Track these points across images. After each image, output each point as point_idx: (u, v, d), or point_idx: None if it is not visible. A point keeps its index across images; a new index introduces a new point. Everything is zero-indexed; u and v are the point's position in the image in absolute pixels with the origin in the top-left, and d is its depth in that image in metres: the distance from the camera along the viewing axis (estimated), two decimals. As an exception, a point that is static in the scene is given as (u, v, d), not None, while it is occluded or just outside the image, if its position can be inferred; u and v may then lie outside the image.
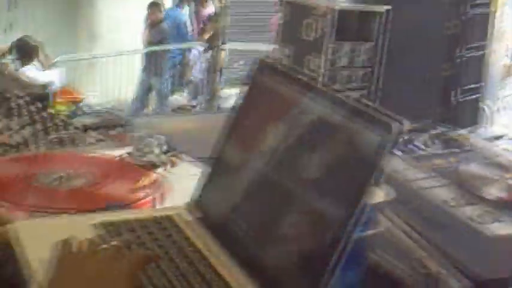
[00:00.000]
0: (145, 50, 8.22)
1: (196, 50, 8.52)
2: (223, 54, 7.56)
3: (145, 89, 8.15)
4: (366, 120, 0.93)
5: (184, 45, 8.68)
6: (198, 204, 1.22)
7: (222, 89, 7.42)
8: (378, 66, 4.24)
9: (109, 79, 7.71)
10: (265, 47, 8.44)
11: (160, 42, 8.20)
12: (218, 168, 1.22)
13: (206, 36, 8.62)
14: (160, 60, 8.17)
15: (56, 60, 7.20)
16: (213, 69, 6.92)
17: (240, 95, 1.23)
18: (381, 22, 4.11)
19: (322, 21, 4.04)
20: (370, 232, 1.05)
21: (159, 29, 8.23)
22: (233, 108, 1.22)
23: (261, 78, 1.19)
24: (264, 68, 1.20)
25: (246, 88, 1.23)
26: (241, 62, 9.14)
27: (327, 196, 0.94)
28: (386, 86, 4.21)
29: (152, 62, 8.14)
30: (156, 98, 8.20)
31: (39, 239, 1.12)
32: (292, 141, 1.05)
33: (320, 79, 3.96)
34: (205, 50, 8.19)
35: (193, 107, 7.89)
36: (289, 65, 1.19)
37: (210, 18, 8.78)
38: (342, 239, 0.90)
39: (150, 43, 8.21)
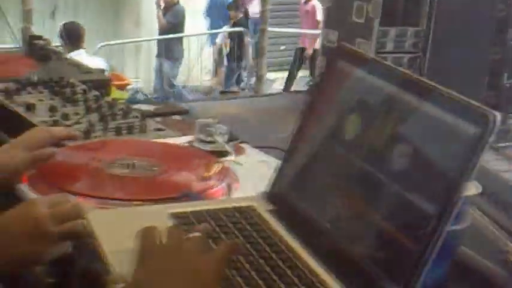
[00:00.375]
0: (188, 35, 8.23)
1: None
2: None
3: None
4: (461, 110, 0.90)
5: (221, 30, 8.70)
6: (277, 194, 1.20)
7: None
8: (424, 51, 4.20)
9: (151, 64, 7.74)
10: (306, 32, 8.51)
11: (175, 26, 8.14)
12: (295, 158, 1.19)
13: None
14: (174, 46, 8.15)
15: (99, 46, 7.25)
16: (258, 52, 6.88)
17: (314, 83, 1.20)
18: (428, 6, 4.05)
19: (370, 4, 4.01)
20: (461, 226, 1.02)
21: (173, 11, 8.17)
22: (308, 95, 1.20)
23: (340, 65, 1.16)
24: (342, 53, 1.17)
25: (321, 75, 1.20)
26: (282, 47, 9.16)
27: (421, 188, 0.92)
28: (433, 71, 4.16)
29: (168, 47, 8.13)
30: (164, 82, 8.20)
31: (114, 230, 1.11)
32: (379, 130, 1.02)
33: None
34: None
35: (242, 89, 7.91)
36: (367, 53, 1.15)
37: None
38: (436, 232, 0.88)
39: (162, 28, 8.17)
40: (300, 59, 8.64)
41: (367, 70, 1.09)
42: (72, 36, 5.33)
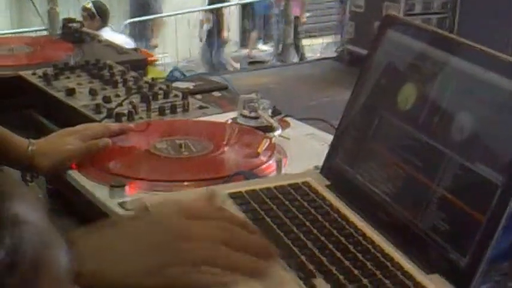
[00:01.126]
0: (210, 7, 8.20)
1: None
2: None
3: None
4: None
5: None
6: (332, 168, 1.19)
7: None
8: (454, 10, 4.15)
9: (178, 38, 7.73)
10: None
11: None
12: (349, 131, 1.18)
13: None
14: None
15: (125, 23, 7.25)
16: (285, 20, 6.84)
17: (366, 55, 1.19)
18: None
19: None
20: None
21: None
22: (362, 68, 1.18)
23: (390, 35, 1.14)
24: (391, 23, 1.15)
25: (372, 47, 1.19)
26: (308, 14, 9.09)
27: (485, 158, 0.90)
28: (462, 32, 4.12)
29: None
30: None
31: None
32: (437, 100, 1.01)
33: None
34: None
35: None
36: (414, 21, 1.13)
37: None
38: (503, 203, 0.87)
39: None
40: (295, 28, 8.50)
41: (419, 39, 1.07)
42: (100, 13, 5.32)
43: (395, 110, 1.08)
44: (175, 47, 7.55)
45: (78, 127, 1.40)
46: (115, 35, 5.24)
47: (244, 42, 8.87)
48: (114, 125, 1.47)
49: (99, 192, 1.25)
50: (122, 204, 1.20)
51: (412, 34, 1.09)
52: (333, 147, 1.20)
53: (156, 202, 1.09)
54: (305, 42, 8.77)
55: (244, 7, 8.77)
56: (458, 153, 0.94)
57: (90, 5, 5.29)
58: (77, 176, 1.33)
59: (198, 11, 8.11)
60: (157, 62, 6.35)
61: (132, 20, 7.33)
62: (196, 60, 8.16)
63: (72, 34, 2.30)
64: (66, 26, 2.33)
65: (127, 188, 1.25)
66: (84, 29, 2.37)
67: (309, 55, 8.21)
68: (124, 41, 5.22)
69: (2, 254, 0.41)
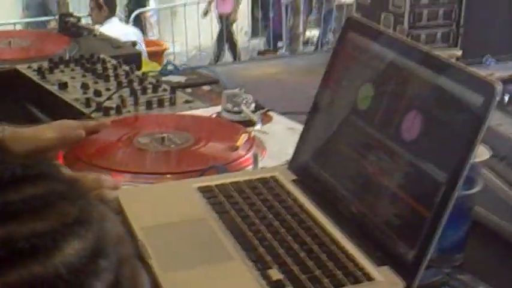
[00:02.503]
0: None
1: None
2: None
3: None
4: (468, 81, 0.93)
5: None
6: (299, 163, 1.24)
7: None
8: (460, 1, 4.17)
9: (189, 28, 7.74)
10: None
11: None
12: (315, 127, 1.23)
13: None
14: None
15: (136, 12, 7.29)
16: (294, 11, 6.85)
17: (331, 55, 1.24)
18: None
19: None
20: (474, 190, 1.06)
21: None
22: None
23: (352, 37, 1.19)
24: (353, 25, 1.20)
25: (335, 48, 1.24)
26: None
27: (431, 156, 0.95)
28: (470, 22, 4.13)
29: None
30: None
31: (142, 206, 1.16)
32: (390, 100, 1.05)
33: (406, 18, 3.95)
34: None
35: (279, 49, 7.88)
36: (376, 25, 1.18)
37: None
38: (446, 198, 0.92)
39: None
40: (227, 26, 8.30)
41: (378, 42, 1.12)
42: (108, 3, 5.35)
43: (355, 109, 1.13)
44: (185, 36, 7.58)
45: (54, 122, 1.44)
46: (122, 26, 5.29)
47: (255, 31, 8.88)
48: (90, 122, 1.51)
49: (81, 184, 1.30)
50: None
51: (371, 36, 1.14)
52: (300, 144, 1.25)
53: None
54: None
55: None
56: (408, 151, 1.00)
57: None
58: (62, 169, 1.38)
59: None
60: (167, 51, 6.42)
61: (138, 11, 7.38)
62: (208, 49, 8.19)
63: (69, 28, 2.36)
64: (63, 21, 2.39)
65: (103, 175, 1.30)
66: (81, 24, 2.42)
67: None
68: (132, 31, 5.27)
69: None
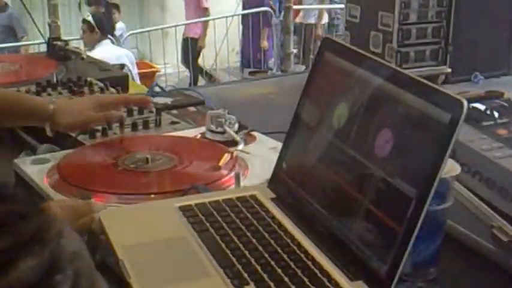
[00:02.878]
0: (209, 19, 8.26)
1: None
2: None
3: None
4: (435, 98, 0.96)
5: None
6: (277, 181, 1.27)
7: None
8: (448, 19, 4.20)
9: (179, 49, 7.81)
10: (332, 7, 8.51)
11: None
12: (293, 146, 1.26)
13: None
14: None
15: (128, 34, 7.34)
16: (284, 30, 6.88)
17: (308, 75, 1.27)
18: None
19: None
20: (445, 205, 1.08)
21: None
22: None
23: (328, 57, 1.22)
24: (329, 46, 1.23)
25: (312, 68, 1.27)
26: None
27: (401, 173, 0.98)
28: (458, 39, 4.17)
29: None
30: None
31: (123, 226, 1.18)
32: (363, 119, 1.08)
33: (394, 36, 3.99)
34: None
35: (270, 69, 7.94)
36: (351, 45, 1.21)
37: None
38: (415, 213, 0.94)
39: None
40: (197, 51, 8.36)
41: (352, 61, 1.15)
42: (100, 26, 5.39)
43: (331, 128, 1.16)
44: (176, 57, 7.64)
45: (98, 95, 1.68)
46: (115, 48, 5.33)
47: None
48: (133, 96, 1.69)
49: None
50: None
51: (345, 56, 1.17)
52: (279, 162, 1.28)
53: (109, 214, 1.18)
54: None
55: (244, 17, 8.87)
56: (381, 168, 1.02)
57: (89, 18, 5.38)
58: (46, 189, 1.41)
59: (196, 22, 8.19)
60: (158, 73, 6.47)
61: (132, 32, 7.42)
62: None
63: (57, 52, 2.39)
64: (51, 44, 2.42)
65: (93, 200, 1.32)
66: (69, 47, 2.45)
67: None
68: (124, 53, 5.31)
69: None
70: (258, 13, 8.25)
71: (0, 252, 0.41)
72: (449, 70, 4.19)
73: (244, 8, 8.49)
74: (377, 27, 4.17)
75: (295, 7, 7.24)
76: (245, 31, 8.46)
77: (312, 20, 8.71)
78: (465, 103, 0.91)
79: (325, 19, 8.82)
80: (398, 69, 1.06)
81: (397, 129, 1.01)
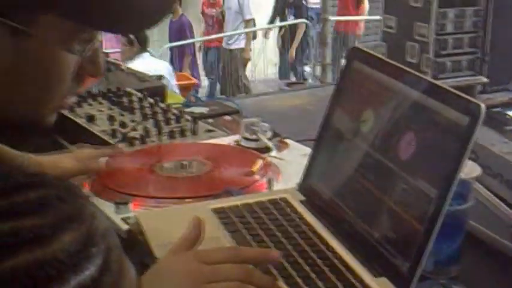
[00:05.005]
0: (248, 30, 8.33)
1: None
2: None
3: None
4: (455, 103, 1.01)
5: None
6: (307, 185, 1.32)
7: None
8: (485, 29, 4.22)
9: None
10: (368, 18, 8.52)
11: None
12: (322, 150, 1.32)
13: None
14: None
15: (166, 46, 7.44)
16: (322, 42, 6.95)
17: (336, 83, 1.32)
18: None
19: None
20: (466, 205, 1.13)
21: None
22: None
23: (356, 65, 1.27)
24: (357, 55, 1.28)
25: (341, 74, 1.32)
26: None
27: (423, 174, 1.03)
28: (495, 49, 4.19)
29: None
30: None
31: (160, 226, 1.24)
32: (389, 123, 1.13)
33: (431, 46, 4.02)
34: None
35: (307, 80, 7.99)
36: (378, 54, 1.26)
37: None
38: (436, 213, 0.99)
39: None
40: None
41: (378, 69, 1.20)
42: (139, 40, 5.48)
43: (357, 133, 1.21)
44: (217, 69, 7.75)
45: (74, 151, 1.55)
46: (153, 61, 5.41)
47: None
48: (107, 150, 1.62)
49: (106, 208, 1.39)
50: (125, 219, 1.34)
51: (372, 64, 1.22)
52: (309, 166, 1.33)
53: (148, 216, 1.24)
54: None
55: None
56: (404, 170, 1.07)
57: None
58: (87, 193, 1.47)
59: (237, 33, 8.27)
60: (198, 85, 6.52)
61: (170, 44, 7.52)
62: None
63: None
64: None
65: (131, 204, 1.39)
66: (109, 59, 2.53)
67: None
68: (162, 66, 5.40)
69: (92, 269, 0.51)
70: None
71: (43, 227, 0.48)
72: (486, 80, 4.22)
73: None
74: (413, 37, 4.22)
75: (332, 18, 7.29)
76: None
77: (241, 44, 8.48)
78: (483, 106, 0.96)
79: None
80: (420, 75, 1.10)
81: (419, 132, 1.06)
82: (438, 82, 1.05)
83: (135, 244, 1.27)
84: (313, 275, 1.07)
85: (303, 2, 8.82)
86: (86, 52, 0.93)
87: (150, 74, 2.74)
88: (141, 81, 2.36)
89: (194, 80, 6.38)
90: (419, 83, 1.09)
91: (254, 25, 8.54)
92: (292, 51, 8.53)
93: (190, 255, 1.04)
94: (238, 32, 8.18)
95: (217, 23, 8.53)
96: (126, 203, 1.38)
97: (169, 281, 0.98)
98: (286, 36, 8.65)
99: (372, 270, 1.07)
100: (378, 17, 7.78)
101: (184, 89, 5.33)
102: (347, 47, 8.45)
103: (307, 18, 8.73)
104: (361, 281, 1.05)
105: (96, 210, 0.55)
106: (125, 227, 1.31)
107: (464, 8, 4.14)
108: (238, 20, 8.28)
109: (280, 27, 8.76)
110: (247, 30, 8.22)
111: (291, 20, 8.63)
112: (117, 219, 1.34)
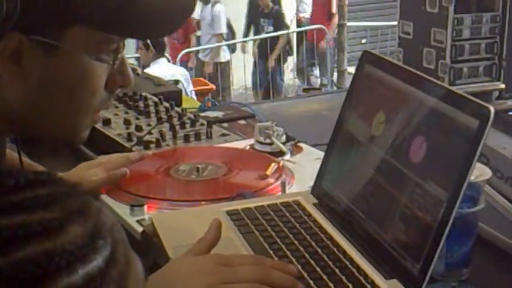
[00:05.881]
0: (264, 36, 8.35)
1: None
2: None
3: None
4: (464, 106, 1.02)
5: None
6: (320, 188, 1.33)
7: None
8: (502, 35, 4.21)
9: (236, 68, 7.92)
10: (385, 24, 8.52)
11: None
12: (334, 154, 1.33)
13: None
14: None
15: (182, 53, 7.47)
16: (339, 47, 6.96)
17: (349, 87, 1.33)
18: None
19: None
20: (477, 208, 1.14)
21: None
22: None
23: (367, 69, 1.28)
24: (368, 58, 1.29)
25: (353, 80, 1.33)
26: (363, 41, 9.20)
27: (434, 177, 1.04)
28: (511, 56, 4.18)
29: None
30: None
31: (174, 228, 1.26)
32: (400, 126, 1.14)
33: (447, 52, 4.02)
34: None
35: (324, 86, 7.99)
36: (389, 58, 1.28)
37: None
38: (446, 215, 1.00)
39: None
40: None
41: (389, 73, 1.21)
42: (155, 45, 5.51)
43: (369, 136, 1.22)
44: (231, 75, 7.77)
45: (100, 159, 1.56)
46: (170, 66, 5.44)
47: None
48: (132, 155, 1.62)
49: (121, 210, 1.41)
50: (139, 221, 1.36)
51: (383, 68, 1.23)
52: (321, 170, 1.34)
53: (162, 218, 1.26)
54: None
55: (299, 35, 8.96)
56: (415, 173, 1.08)
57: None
58: (103, 196, 1.49)
59: (249, 40, 8.31)
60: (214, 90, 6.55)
61: (187, 50, 7.57)
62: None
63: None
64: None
65: (146, 207, 1.40)
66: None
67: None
68: (179, 72, 5.43)
69: (100, 261, 0.52)
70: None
71: (52, 221, 0.51)
72: (503, 86, 4.20)
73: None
74: (430, 43, 4.22)
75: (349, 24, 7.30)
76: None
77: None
78: (492, 109, 0.97)
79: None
80: (431, 78, 1.11)
81: (430, 136, 1.07)
82: (448, 85, 1.06)
83: (149, 246, 1.28)
84: (324, 277, 1.08)
85: (282, 12, 8.65)
86: (115, 62, 0.95)
87: (166, 79, 2.76)
88: (156, 85, 2.38)
89: (211, 85, 6.41)
90: (430, 87, 1.10)
91: (234, 38, 8.52)
92: (272, 62, 8.39)
93: (209, 256, 1.05)
94: (209, 46, 8.20)
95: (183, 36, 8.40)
96: (141, 205, 1.40)
97: (180, 279, 0.99)
98: (264, 47, 8.47)
99: (383, 272, 1.08)
100: (394, 23, 7.80)
101: (201, 94, 5.36)
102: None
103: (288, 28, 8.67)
104: (372, 282, 1.07)
105: (101, 206, 0.57)
106: (139, 228, 1.33)
107: (481, 14, 4.13)
108: (210, 33, 8.29)
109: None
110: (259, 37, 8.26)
111: (270, 31, 8.45)
112: (132, 221, 1.36)
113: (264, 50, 8.38)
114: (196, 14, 8.00)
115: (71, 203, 0.54)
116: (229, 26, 8.64)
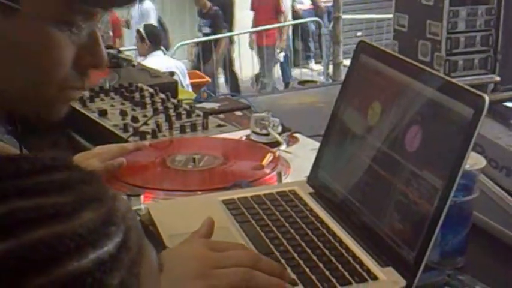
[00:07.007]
0: (263, 28, 8.35)
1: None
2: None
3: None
4: (459, 95, 1.02)
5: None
6: (316, 177, 1.34)
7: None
8: (497, 28, 4.23)
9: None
10: (381, 17, 8.53)
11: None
12: (330, 144, 1.33)
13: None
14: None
15: (179, 44, 7.47)
16: (334, 40, 6.96)
17: (344, 77, 1.34)
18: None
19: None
20: (471, 196, 1.14)
21: None
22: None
23: (363, 59, 1.29)
24: (364, 48, 1.30)
25: (348, 70, 1.34)
26: (358, 33, 9.20)
27: (430, 165, 1.04)
28: (506, 48, 4.20)
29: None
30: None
31: (171, 217, 1.27)
32: (395, 116, 1.15)
33: (443, 45, 4.03)
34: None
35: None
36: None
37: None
38: (441, 204, 1.00)
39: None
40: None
41: (385, 63, 1.22)
42: (150, 38, 5.52)
43: (365, 126, 1.22)
44: (227, 68, 7.77)
45: (97, 149, 1.57)
46: (166, 59, 5.44)
47: (296, 62, 9.05)
48: (129, 145, 1.63)
49: (117, 200, 1.41)
50: (136, 211, 1.36)
51: (378, 58, 1.24)
52: (317, 159, 1.35)
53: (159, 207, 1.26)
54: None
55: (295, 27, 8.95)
56: (410, 162, 1.09)
57: (141, 29, 5.52)
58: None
59: (249, 32, 8.30)
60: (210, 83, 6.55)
61: (183, 42, 7.56)
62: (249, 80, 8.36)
63: (110, 60, 2.49)
64: (104, 52, 2.51)
65: (142, 197, 1.41)
66: (121, 55, 2.56)
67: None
68: (175, 64, 5.43)
69: (111, 246, 0.52)
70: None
71: (65, 205, 0.51)
72: (498, 78, 4.22)
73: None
74: (425, 36, 4.23)
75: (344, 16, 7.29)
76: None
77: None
78: (487, 98, 0.97)
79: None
80: (426, 68, 1.12)
81: (425, 125, 1.08)
82: (442, 75, 1.07)
83: (146, 235, 1.28)
84: (320, 265, 1.08)
85: (220, 12, 8.16)
86: (80, 35, 0.91)
87: (162, 71, 2.76)
88: (152, 77, 2.38)
89: (206, 78, 6.41)
90: (425, 76, 1.10)
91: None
92: (217, 66, 8.03)
93: (200, 241, 1.06)
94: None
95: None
96: (137, 195, 1.40)
97: (176, 263, 1.00)
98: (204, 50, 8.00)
99: (378, 260, 1.09)
100: (389, 16, 7.81)
101: (198, 87, 5.37)
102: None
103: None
104: (367, 270, 1.07)
105: (116, 193, 0.57)
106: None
107: (477, 7, 4.15)
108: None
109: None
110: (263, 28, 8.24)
111: (206, 32, 8.03)
112: (128, 211, 1.37)
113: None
114: (124, 13, 7.86)
115: (85, 189, 0.54)
116: (161, 23, 8.23)
